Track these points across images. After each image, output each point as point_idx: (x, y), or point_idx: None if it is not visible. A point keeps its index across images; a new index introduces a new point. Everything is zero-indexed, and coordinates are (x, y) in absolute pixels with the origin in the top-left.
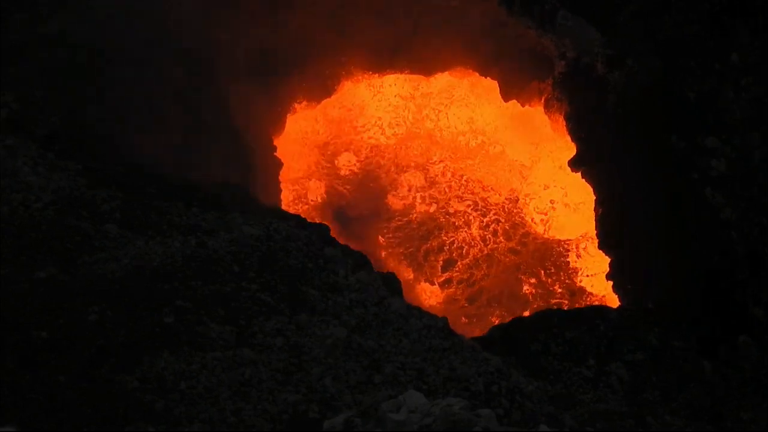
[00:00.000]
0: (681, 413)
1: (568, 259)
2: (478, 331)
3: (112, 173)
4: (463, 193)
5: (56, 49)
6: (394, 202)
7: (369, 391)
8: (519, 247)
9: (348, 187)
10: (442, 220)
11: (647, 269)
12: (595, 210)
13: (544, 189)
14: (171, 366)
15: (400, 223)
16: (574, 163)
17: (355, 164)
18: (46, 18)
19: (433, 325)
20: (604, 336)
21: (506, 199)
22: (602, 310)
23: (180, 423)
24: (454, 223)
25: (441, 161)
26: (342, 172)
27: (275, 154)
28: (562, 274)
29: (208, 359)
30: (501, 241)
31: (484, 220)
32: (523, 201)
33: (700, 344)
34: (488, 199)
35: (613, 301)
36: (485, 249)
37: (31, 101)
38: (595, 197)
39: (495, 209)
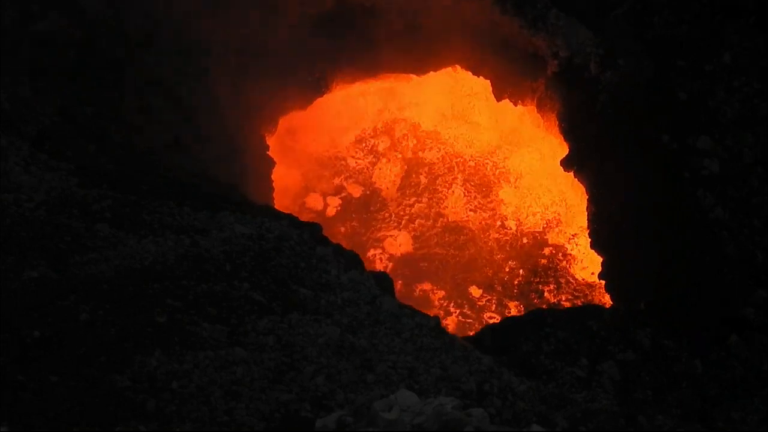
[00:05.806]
0: (672, 413)
1: None
2: None
3: (104, 173)
4: None
5: (47, 48)
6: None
7: (361, 390)
8: None
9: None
10: None
11: (639, 269)
12: (587, 209)
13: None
14: (163, 365)
15: None
16: (567, 163)
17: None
18: (37, 17)
19: (425, 324)
20: (596, 336)
21: None
22: (594, 309)
23: (171, 422)
24: None
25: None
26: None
27: (268, 153)
28: None
29: (200, 358)
30: None
31: None
32: None
33: (691, 344)
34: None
35: (606, 301)
36: None
37: (22, 100)
38: (587, 197)
39: None
